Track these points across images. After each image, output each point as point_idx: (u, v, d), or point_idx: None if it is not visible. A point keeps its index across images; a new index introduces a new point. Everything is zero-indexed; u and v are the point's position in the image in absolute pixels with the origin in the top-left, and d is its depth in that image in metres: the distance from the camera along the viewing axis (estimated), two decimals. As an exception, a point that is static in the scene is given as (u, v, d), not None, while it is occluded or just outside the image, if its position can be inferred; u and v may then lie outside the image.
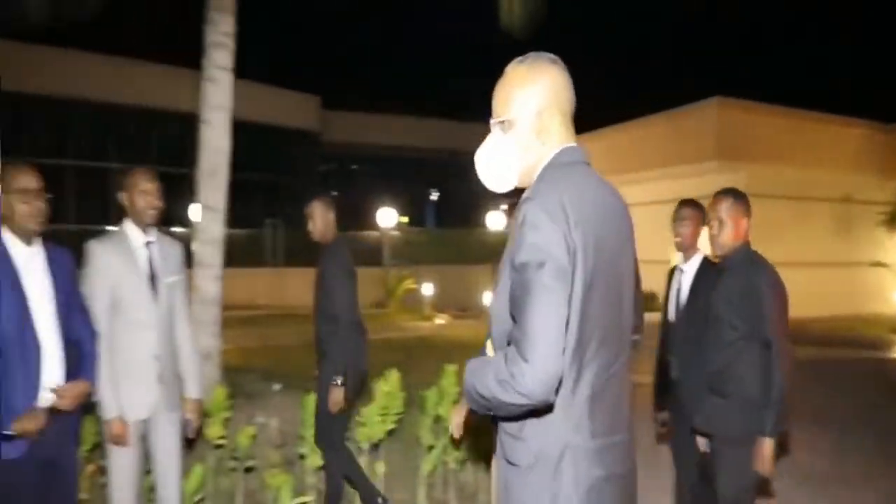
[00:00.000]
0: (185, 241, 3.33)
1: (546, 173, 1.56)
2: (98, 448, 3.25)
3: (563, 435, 1.47)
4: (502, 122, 1.59)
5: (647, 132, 15.23)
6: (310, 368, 3.92)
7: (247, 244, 17.50)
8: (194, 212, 5.04)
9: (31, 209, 2.41)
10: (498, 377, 1.39)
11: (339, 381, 3.40)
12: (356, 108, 25.38)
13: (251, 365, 6.14)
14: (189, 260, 3.45)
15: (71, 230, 14.92)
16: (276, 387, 5.29)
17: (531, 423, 1.49)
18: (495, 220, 18.45)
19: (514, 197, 1.66)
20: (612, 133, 16.03)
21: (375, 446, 3.78)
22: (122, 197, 2.85)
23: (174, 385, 2.95)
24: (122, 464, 2.77)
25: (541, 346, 1.35)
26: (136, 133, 18.77)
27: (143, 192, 2.82)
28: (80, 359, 2.54)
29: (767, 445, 2.57)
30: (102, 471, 3.15)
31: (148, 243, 2.88)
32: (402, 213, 20.06)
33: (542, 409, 1.45)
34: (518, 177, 1.61)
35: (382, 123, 25.54)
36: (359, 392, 3.71)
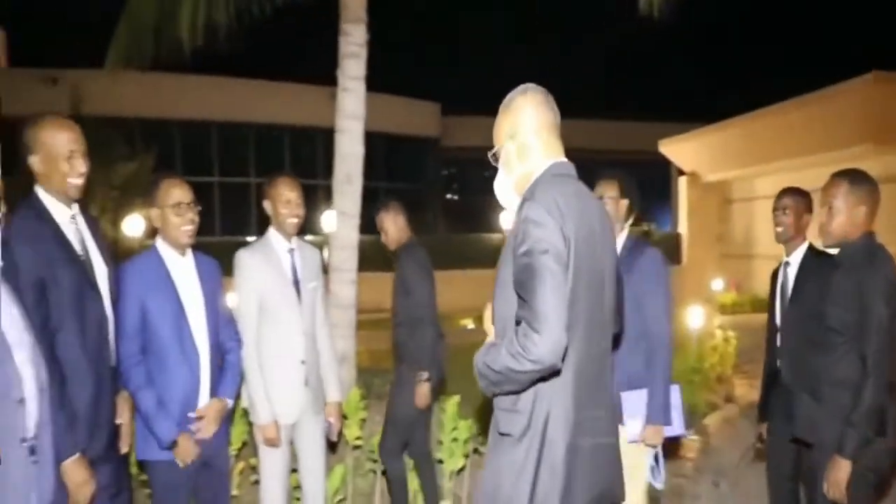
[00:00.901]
0: (320, 248, 3.43)
1: (541, 181, 1.78)
2: (245, 446, 3.41)
3: (551, 407, 1.67)
4: (494, 156, 1.88)
5: (788, 118, 13.99)
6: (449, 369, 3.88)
7: (376, 249, 18.03)
8: (327, 220, 5.19)
9: (183, 221, 2.55)
10: (510, 351, 1.59)
11: (424, 377, 3.36)
12: (475, 112, 25.53)
13: (383, 366, 6.26)
14: (324, 266, 3.54)
15: (216, 242, 16.12)
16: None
17: (525, 397, 1.69)
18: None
19: None
20: (748, 121, 14.92)
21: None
22: (267, 206, 2.95)
23: (318, 388, 3.02)
24: (272, 462, 2.88)
25: (550, 317, 1.56)
26: (271, 148, 19.94)
27: (287, 200, 2.91)
28: (224, 367, 2.67)
29: (842, 467, 2.31)
30: (253, 469, 3.30)
31: (291, 250, 2.97)
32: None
33: (533, 385, 1.67)
34: (515, 192, 1.86)
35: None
36: (436, 396, 3.64)
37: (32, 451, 1.94)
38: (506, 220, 15.60)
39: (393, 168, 21.28)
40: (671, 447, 3.69)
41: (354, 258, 5.00)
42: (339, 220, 4.98)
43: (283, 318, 2.88)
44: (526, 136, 1.83)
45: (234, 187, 19.42)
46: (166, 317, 2.50)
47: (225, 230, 18.02)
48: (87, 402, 2.23)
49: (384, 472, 3.60)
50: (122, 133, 14.49)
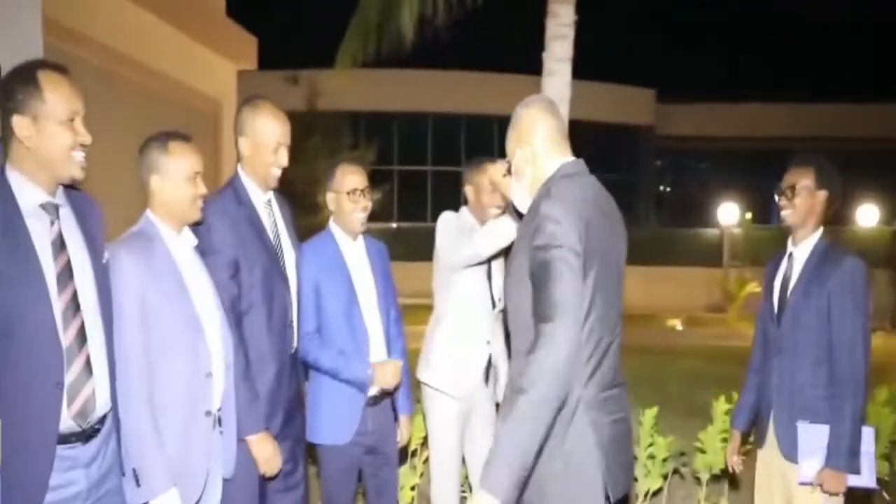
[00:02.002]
0: None
1: (554, 179, 1.86)
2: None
3: (577, 391, 1.73)
4: (509, 167, 1.99)
5: None
6: (639, 373, 3.50)
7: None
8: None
9: (356, 207, 2.55)
10: (530, 356, 1.63)
11: None
12: (693, 99, 23.70)
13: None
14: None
15: (394, 227, 16.93)
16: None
17: None
18: (864, 216, 15.43)
19: None
20: None
21: (717, 477, 3.24)
22: (469, 191, 2.90)
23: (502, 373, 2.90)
24: (442, 449, 2.79)
25: (569, 307, 1.65)
26: (480, 137, 20.41)
27: (490, 188, 2.81)
28: (391, 345, 2.67)
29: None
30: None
31: None
32: (745, 209, 18.12)
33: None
34: (530, 195, 1.91)
35: (722, 113, 23.34)
36: None
37: (218, 422, 2.04)
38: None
39: (601, 158, 20.50)
40: (857, 501, 2.98)
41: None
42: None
43: (474, 297, 2.81)
44: (534, 143, 1.90)
45: (447, 175, 20.25)
46: (338, 300, 2.52)
47: (435, 217, 18.87)
48: (267, 385, 2.28)
49: None
50: (348, 126, 15.78)
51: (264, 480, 2.28)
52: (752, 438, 2.71)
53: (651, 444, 3.12)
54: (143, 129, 2.40)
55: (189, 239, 2.06)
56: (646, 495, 3.20)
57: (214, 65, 10.89)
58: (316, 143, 13.84)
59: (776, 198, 2.52)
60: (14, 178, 1.66)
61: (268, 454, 2.16)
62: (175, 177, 1.99)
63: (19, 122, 1.63)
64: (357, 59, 5.90)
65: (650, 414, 3.16)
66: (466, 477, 3.04)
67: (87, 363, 1.69)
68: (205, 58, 10.32)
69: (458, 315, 2.79)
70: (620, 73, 21.65)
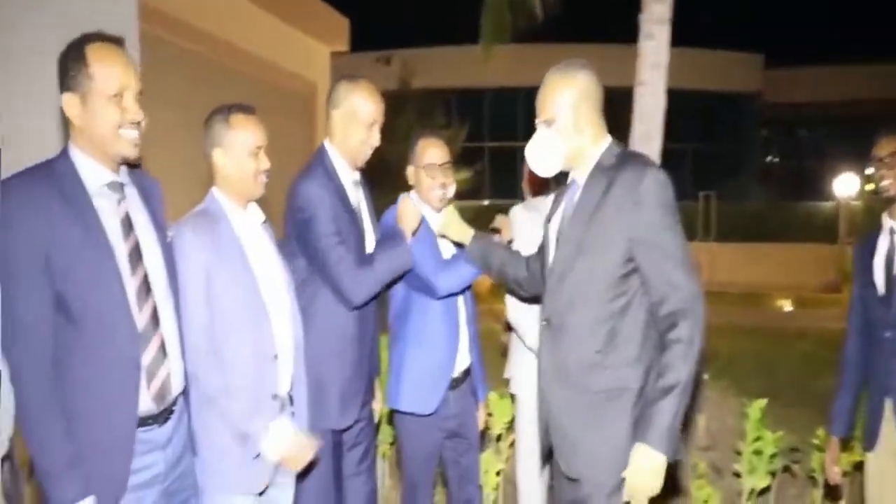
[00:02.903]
0: None
1: (622, 150, 1.93)
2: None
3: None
4: (546, 121, 1.92)
5: None
6: (745, 358, 3.24)
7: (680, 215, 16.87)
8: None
9: (434, 183, 2.43)
10: (684, 321, 1.74)
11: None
12: (803, 63, 21.85)
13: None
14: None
15: (485, 205, 16.68)
16: (705, 376, 4.71)
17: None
18: None
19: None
20: None
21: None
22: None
23: None
24: (527, 447, 2.68)
25: (689, 262, 1.77)
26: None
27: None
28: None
29: None
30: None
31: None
32: (865, 181, 16.64)
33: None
34: (563, 163, 1.95)
35: (836, 77, 21.36)
36: None
37: (284, 405, 2.01)
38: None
39: (702, 127, 19.43)
40: None
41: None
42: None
43: None
44: (590, 111, 1.90)
45: (503, 151, 19.85)
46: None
47: (494, 194, 18.61)
48: (350, 365, 2.25)
49: None
50: (440, 104, 15.74)
51: (339, 464, 2.27)
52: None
53: (758, 439, 2.87)
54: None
55: (256, 215, 2.02)
56: (750, 494, 2.96)
57: (308, 47, 11.08)
58: (408, 122, 13.91)
59: (871, 168, 2.29)
60: (77, 157, 1.64)
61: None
62: (237, 151, 1.93)
63: (68, 100, 1.60)
64: (499, 37, 6.04)
65: (757, 406, 2.90)
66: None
67: (162, 344, 1.69)
68: (299, 41, 10.51)
69: None
70: (724, 37, 20.31)
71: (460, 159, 12.33)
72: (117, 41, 1.65)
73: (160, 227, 1.77)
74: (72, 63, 1.59)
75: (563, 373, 1.86)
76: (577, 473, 1.86)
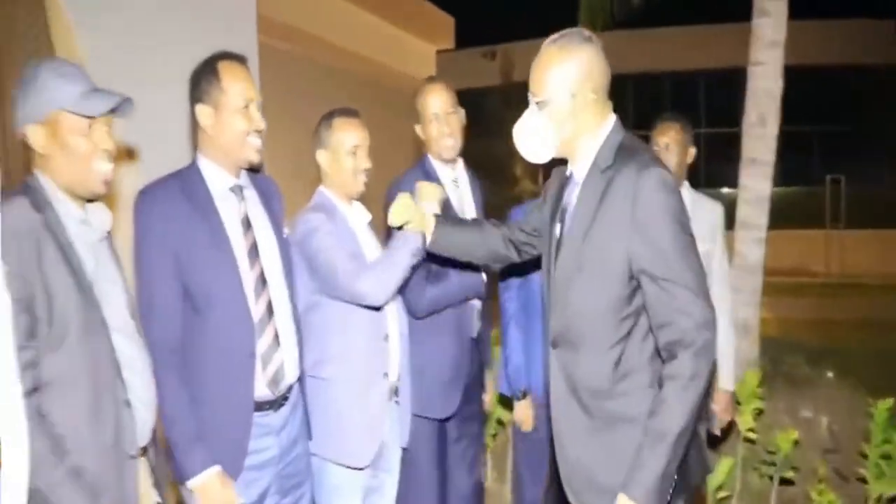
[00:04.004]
0: (734, 203, 3.00)
1: (622, 142, 1.63)
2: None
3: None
4: (539, 102, 1.64)
5: None
6: (875, 355, 3.02)
7: (800, 203, 15.74)
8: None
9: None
10: (695, 345, 1.49)
11: None
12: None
13: (795, 341, 5.34)
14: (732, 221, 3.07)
15: None
16: (829, 374, 4.40)
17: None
18: None
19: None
20: None
21: None
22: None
23: None
24: None
25: (702, 282, 1.53)
26: (681, 97, 18.94)
27: (657, 148, 2.65)
28: None
29: None
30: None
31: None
32: None
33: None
34: (557, 150, 1.68)
35: None
36: None
37: (395, 392, 2.11)
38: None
39: (826, 106, 17.91)
40: None
41: (764, 213, 4.27)
42: (749, 170, 4.29)
43: None
44: (589, 94, 1.61)
45: (644, 140, 19.13)
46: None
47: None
48: (451, 360, 2.32)
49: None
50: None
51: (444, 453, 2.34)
52: None
53: (886, 442, 2.67)
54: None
55: (362, 213, 2.15)
56: (878, 501, 2.76)
57: (415, 47, 11.36)
58: (515, 115, 13.86)
59: None
60: (204, 164, 1.83)
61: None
62: (336, 150, 2.07)
63: (202, 111, 1.79)
64: (601, 23, 6.00)
65: (884, 407, 2.70)
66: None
67: (276, 334, 1.83)
68: (406, 41, 10.80)
69: None
70: (849, 4, 18.63)
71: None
72: (242, 59, 1.84)
73: (277, 225, 1.93)
74: (205, 78, 1.79)
75: (576, 399, 1.65)
76: (584, 503, 1.67)
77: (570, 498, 1.67)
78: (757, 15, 4.23)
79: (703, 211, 2.64)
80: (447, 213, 2.08)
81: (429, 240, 1.94)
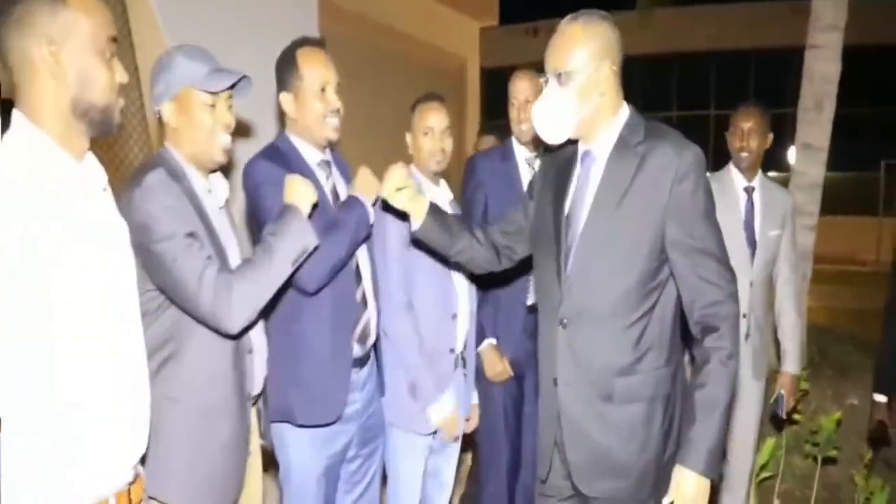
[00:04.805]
0: (783, 186, 3.04)
1: (646, 122, 1.66)
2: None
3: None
4: (559, 75, 1.61)
5: None
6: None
7: (853, 189, 15.26)
8: (793, 154, 4.53)
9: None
10: (725, 323, 1.55)
11: None
12: None
13: (843, 330, 5.29)
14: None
15: None
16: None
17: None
18: None
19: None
20: None
21: None
22: (728, 140, 2.77)
23: (763, 349, 2.73)
24: None
25: (728, 256, 1.60)
26: (732, 77, 18.43)
27: (739, 133, 2.67)
28: None
29: None
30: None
31: (749, 188, 2.71)
32: None
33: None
34: (575, 128, 1.64)
35: None
36: None
37: (458, 362, 2.24)
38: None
39: (882, 88, 17.20)
40: None
41: (817, 200, 4.23)
42: (802, 155, 4.26)
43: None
44: (611, 72, 1.62)
45: (693, 120, 18.73)
46: None
47: (718, 165, 17.52)
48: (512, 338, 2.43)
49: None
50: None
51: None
52: None
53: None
54: (402, 92, 2.66)
55: (445, 193, 2.28)
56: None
57: (459, 24, 11.33)
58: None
59: None
60: (295, 140, 1.97)
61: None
62: (415, 131, 2.22)
63: (284, 99, 1.93)
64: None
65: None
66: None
67: (364, 296, 1.98)
68: (451, 18, 10.78)
69: None
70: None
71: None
72: (320, 43, 1.96)
73: None
74: (285, 67, 1.93)
75: (588, 382, 1.62)
76: (602, 491, 1.65)
77: (580, 484, 1.66)
78: (817, -4, 4.15)
79: (775, 197, 2.73)
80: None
81: (417, 224, 1.83)
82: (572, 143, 1.71)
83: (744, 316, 2.63)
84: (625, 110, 1.67)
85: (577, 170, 1.69)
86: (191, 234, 1.49)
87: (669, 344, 1.63)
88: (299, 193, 1.73)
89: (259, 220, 1.83)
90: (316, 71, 1.91)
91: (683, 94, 18.71)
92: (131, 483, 1.25)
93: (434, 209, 1.85)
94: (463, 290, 2.21)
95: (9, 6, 1.12)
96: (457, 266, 2.09)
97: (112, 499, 1.19)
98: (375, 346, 2.10)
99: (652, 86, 19.08)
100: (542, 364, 1.74)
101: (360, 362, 2.00)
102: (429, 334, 2.12)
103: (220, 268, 1.53)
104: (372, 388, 2.08)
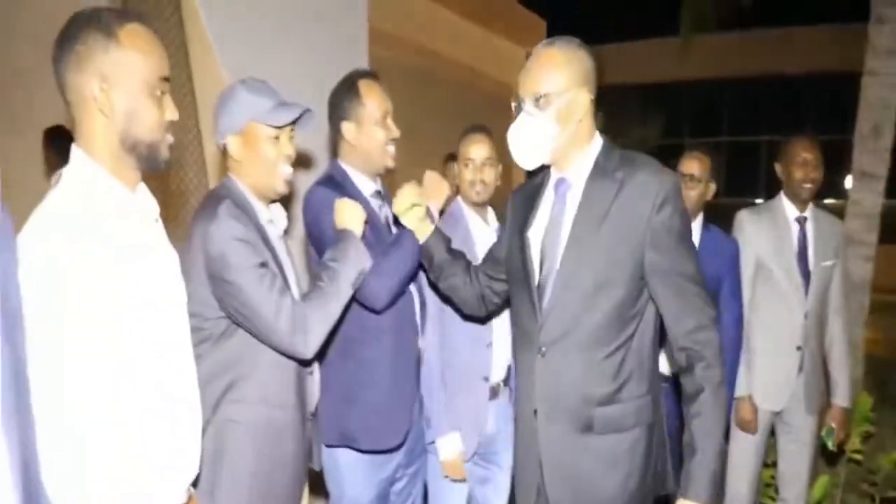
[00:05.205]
0: (838, 214, 2.95)
1: (620, 155, 1.63)
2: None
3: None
4: (538, 99, 1.58)
5: None
6: None
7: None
8: (850, 181, 4.40)
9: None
10: (705, 334, 1.53)
11: None
12: None
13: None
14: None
15: (720, 203, 15.48)
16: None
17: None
18: None
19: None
20: None
21: None
22: (779, 168, 2.70)
23: (817, 382, 2.64)
24: (742, 448, 2.63)
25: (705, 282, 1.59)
26: (785, 102, 18.03)
27: (801, 162, 2.59)
28: None
29: None
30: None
31: (801, 219, 2.63)
32: None
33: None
34: (551, 154, 1.63)
35: None
36: None
37: (497, 391, 2.22)
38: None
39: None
40: None
41: (874, 229, 4.11)
42: (859, 183, 4.15)
43: (780, 293, 2.59)
44: (587, 92, 1.60)
45: (745, 147, 18.33)
46: None
47: (731, 191, 17.25)
48: None
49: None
50: (636, 100, 15.28)
51: None
52: None
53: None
54: (449, 119, 2.71)
55: (489, 223, 2.30)
56: None
57: (507, 51, 11.44)
58: (606, 116, 13.68)
59: None
60: (349, 170, 2.01)
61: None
62: (459, 162, 2.28)
63: (347, 127, 1.98)
64: (700, 26, 5.99)
65: None
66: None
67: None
68: (497, 45, 10.90)
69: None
70: None
71: (658, 156, 11.90)
72: (376, 75, 2.03)
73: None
74: (346, 96, 1.98)
75: (568, 412, 1.57)
76: None
77: None
78: (873, 22, 4.07)
79: (827, 226, 2.66)
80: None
81: (423, 237, 1.90)
82: (543, 168, 1.70)
83: (798, 349, 2.57)
84: (598, 139, 1.66)
85: (550, 197, 1.67)
86: (263, 265, 1.54)
87: (650, 371, 1.60)
88: (349, 216, 1.77)
89: (321, 248, 1.88)
90: (377, 100, 1.97)
91: (734, 120, 18.39)
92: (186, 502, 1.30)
93: (439, 233, 1.91)
94: (501, 320, 2.20)
95: (70, 43, 1.18)
96: None
97: None
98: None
99: (701, 111, 18.84)
100: (519, 394, 1.69)
101: None
102: (459, 363, 2.13)
103: (294, 298, 1.57)
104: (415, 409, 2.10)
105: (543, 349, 1.58)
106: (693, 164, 2.53)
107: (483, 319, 2.11)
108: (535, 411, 1.60)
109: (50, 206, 1.15)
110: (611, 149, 1.64)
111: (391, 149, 2.01)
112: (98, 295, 1.10)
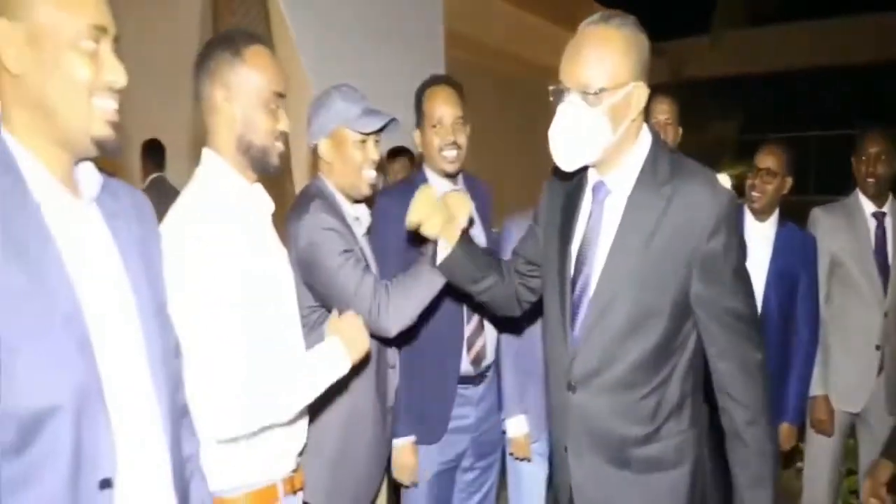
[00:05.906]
0: None
1: (667, 156, 1.39)
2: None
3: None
4: (596, 92, 1.30)
5: None
6: None
7: None
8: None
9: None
10: (752, 376, 1.38)
11: None
12: None
13: None
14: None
15: (810, 201, 14.66)
16: None
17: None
18: None
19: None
20: None
21: None
22: (853, 163, 2.64)
23: None
24: (818, 452, 2.60)
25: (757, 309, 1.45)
26: (879, 93, 16.95)
27: (865, 157, 2.55)
28: None
29: None
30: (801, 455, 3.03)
31: (879, 214, 2.58)
32: None
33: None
34: (602, 153, 1.36)
35: None
36: None
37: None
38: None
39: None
40: None
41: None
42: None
43: (857, 290, 2.55)
44: (645, 88, 1.35)
45: (833, 141, 17.33)
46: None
47: (820, 188, 16.34)
48: None
49: None
50: (714, 93, 14.79)
51: None
52: None
53: None
54: (525, 118, 2.72)
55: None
56: None
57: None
58: (686, 113, 13.17)
59: None
60: (428, 173, 2.10)
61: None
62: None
63: (416, 135, 2.08)
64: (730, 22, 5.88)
65: None
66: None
67: (480, 322, 2.10)
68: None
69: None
70: None
71: (738, 152, 11.40)
72: (447, 80, 2.10)
73: (486, 224, 2.18)
74: (416, 105, 2.09)
75: (601, 452, 1.41)
76: None
77: None
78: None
79: None
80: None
81: (442, 255, 1.59)
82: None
83: (877, 348, 2.51)
84: (646, 138, 1.42)
85: (588, 203, 1.45)
86: (350, 251, 1.66)
87: (692, 404, 1.42)
88: (457, 206, 1.64)
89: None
90: (434, 106, 2.01)
91: (779, 115, 17.45)
92: (294, 471, 1.46)
93: (467, 238, 1.64)
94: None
95: (206, 60, 1.40)
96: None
97: (280, 483, 1.41)
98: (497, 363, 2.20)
99: (746, 107, 17.93)
100: (552, 428, 1.55)
101: (475, 380, 2.11)
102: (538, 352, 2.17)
103: (377, 279, 1.67)
104: (488, 405, 2.18)
105: (574, 384, 1.42)
106: (768, 158, 2.45)
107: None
108: (566, 448, 1.46)
109: (189, 197, 1.37)
110: (660, 151, 1.40)
111: (449, 153, 2.03)
112: (237, 273, 1.30)
